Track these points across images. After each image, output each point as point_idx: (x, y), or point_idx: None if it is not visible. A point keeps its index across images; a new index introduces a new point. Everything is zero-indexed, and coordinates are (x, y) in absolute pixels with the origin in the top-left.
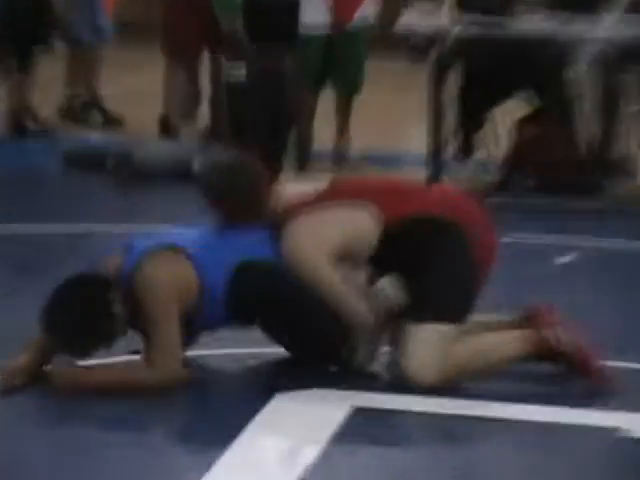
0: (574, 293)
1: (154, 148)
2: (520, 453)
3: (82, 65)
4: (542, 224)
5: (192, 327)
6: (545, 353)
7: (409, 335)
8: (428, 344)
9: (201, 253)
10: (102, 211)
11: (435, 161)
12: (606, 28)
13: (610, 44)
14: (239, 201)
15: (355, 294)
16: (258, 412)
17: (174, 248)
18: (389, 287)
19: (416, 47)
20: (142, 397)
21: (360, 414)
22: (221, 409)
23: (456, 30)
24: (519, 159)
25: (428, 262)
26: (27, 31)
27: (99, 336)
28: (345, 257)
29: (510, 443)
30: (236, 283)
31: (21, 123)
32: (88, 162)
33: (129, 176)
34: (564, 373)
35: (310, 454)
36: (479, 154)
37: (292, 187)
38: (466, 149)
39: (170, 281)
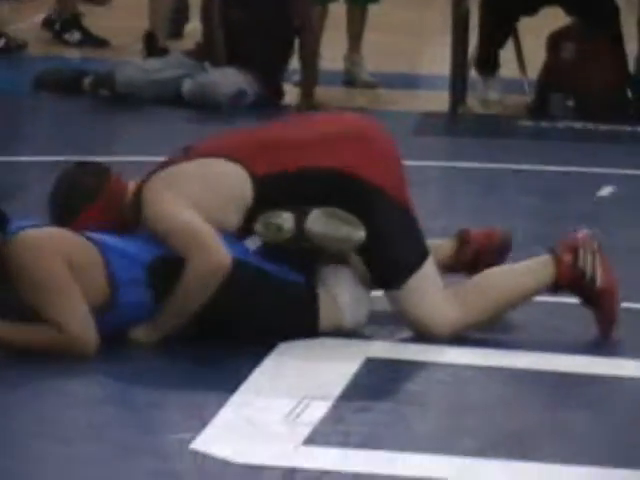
0: (613, 230)
1: (138, 67)
2: (542, 406)
3: None
4: (581, 152)
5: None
6: (566, 283)
7: (398, 299)
8: (425, 296)
9: (106, 240)
10: (76, 139)
11: (458, 82)
12: None
13: None
14: (89, 210)
15: (215, 235)
16: (258, 364)
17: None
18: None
19: None
20: (124, 346)
21: (372, 365)
22: (215, 360)
23: None
24: (556, 78)
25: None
26: None
27: None
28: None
29: (531, 394)
30: (160, 279)
31: None
32: (62, 84)
33: (109, 99)
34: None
35: (317, 412)
36: (505, 72)
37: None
38: (487, 66)
39: (59, 247)
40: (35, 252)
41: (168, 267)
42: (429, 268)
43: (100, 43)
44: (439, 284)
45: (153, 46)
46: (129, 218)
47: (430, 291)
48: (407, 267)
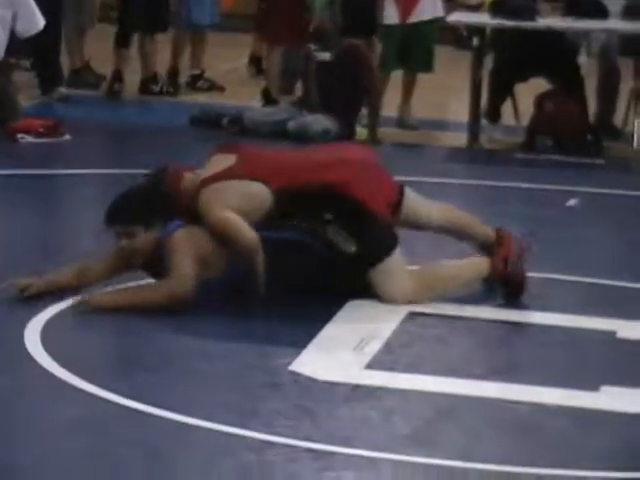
0: (574, 228)
1: (259, 112)
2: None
3: (198, 44)
4: (556, 175)
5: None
6: (493, 277)
7: (374, 274)
8: (392, 276)
9: None
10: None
11: (473, 127)
12: (607, 26)
13: (610, 37)
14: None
15: (249, 227)
16: (335, 314)
17: None
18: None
19: (462, 37)
20: (227, 304)
21: (414, 317)
22: (306, 310)
23: (493, 24)
24: (541, 126)
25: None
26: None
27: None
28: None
29: (528, 344)
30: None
31: (147, 87)
32: (208, 122)
33: (238, 132)
34: None
35: (374, 346)
36: (506, 121)
37: (209, 168)
38: (493, 116)
39: (194, 239)
40: (182, 242)
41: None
42: (398, 255)
43: (220, 89)
44: (405, 268)
45: (269, 98)
46: (188, 203)
47: (399, 271)
48: (381, 251)
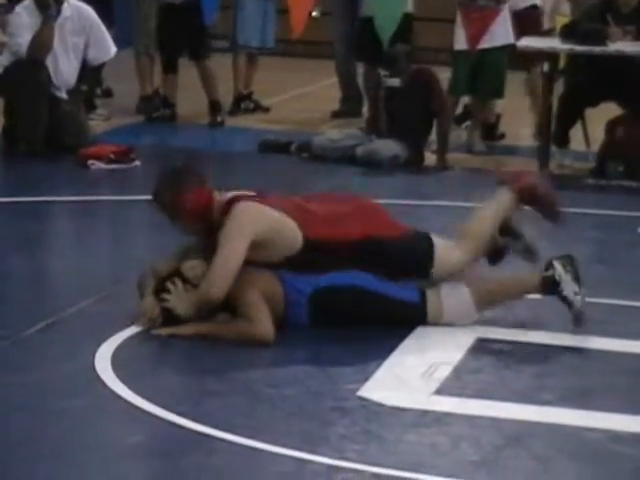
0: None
1: (327, 138)
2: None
3: (249, 66)
4: (626, 201)
5: None
6: (525, 196)
7: (437, 265)
8: (447, 252)
9: (283, 274)
10: (281, 183)
11: (543, 152)
12: None
13: None
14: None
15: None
16: (404, 339)
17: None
18: None
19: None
20: (292, 330)
21: (482, 343)
22: (374, 335)
23: (564, 49)
24: (611, 152)
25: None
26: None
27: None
28: (263, 244)
29: (598, 370)
30: (317, 304)
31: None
32: (277, 148)
33: (307, 159)
34: None
35: (444, 372)
36: (576, 146)
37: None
38: (562, 141)
39: (258, 280)
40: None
41: (324, 296)
42: (438, 242)
43: (264, 110)
44: (450, 243)
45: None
46: (214, 218)
47: (447, 249)
48: (427, 254)
